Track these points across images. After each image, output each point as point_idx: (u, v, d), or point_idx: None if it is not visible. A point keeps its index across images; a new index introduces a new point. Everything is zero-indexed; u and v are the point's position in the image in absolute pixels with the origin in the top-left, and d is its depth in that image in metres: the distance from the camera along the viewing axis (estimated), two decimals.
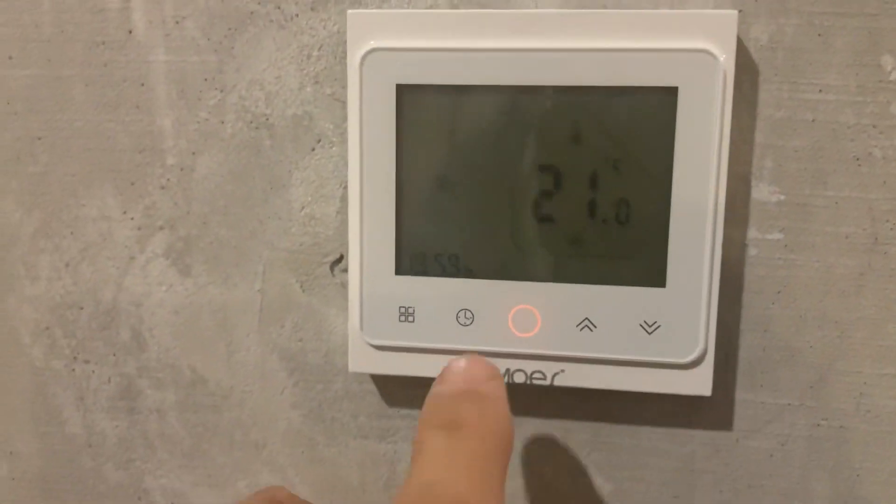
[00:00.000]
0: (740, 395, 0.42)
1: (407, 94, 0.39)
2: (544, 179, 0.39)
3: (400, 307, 0.41)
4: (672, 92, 0.38)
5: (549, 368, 0.41)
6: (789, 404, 0.42)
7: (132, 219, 0.45)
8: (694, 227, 0.38)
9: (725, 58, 0.37)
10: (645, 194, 0.39)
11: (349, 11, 0.40)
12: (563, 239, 0.40)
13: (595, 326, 0.40)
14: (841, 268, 0.40)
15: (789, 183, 0.40)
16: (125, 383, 0.47)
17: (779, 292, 0.41)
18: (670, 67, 0.38)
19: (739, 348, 0.42)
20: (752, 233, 0.41)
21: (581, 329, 0.40)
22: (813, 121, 0.39)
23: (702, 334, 0.39)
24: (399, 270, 0.41)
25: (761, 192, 0.40)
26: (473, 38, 0.39)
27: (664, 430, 0.43)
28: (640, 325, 0.40)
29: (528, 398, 0.44)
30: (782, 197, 0.40)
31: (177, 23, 0.43)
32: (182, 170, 0.44)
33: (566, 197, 0.39)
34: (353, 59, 0.40)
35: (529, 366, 0.41)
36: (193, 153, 0.44)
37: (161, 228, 0.45)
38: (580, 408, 0.44)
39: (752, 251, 0.41)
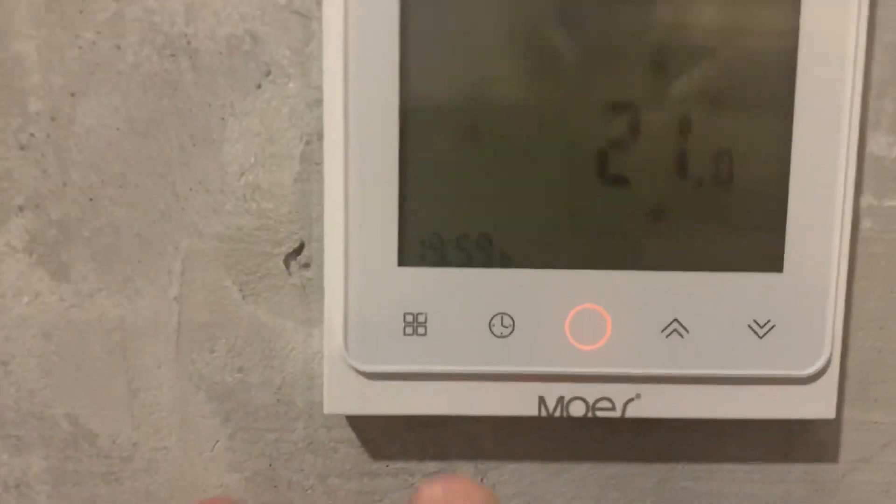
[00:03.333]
0: (849, 413, 0.32)
1: None
2: (615, 123, 0.28)
3: (406, 314, 0.28)
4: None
5: (619, 393, 0.29)
6: None
7: None
8: (821, 190, 0.28)
9: None
10: (756, 144, 0.28)
11: None
12: (642, 209, 0.28)
13: (687, 331, 0.28)
14: None
15: None
16: None
17: None
18: None
19: (849, 352, 0.32)
20: (867, 199, 0.31)
21: (668, 335, 0.28)
22: None
23: (828, 336, 0.29)
24: (404, 260, 0.28)
25: (878, 144, 0.30)
26: None
27: (750, 468, 0.32)
28: (749, 326, 0.28)
29: (580, 435, 0.32)
30: None
31: None
32: (54, 119, 0.29)
33: (645, 148, 0.28)
34: None
35: (592, 391, 0.29)
36: (72, 94, 0.29)
37: (21, 209, 0.30)
38: (644, 443, 0.32)
39: (865, 223, 0.31)
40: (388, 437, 0.32)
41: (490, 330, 0.28)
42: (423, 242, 0.28)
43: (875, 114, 0.30)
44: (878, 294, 0.31)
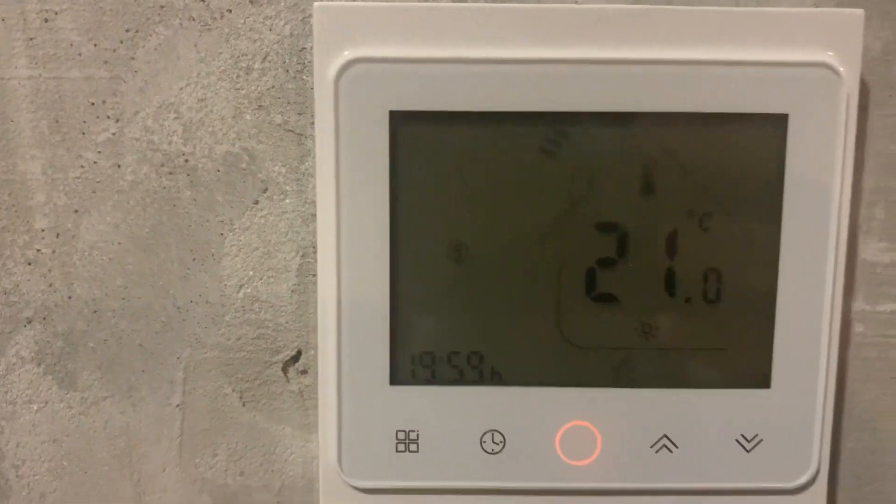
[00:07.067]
0: None
1: (405, 125, 0.27)
2: (603, 243, 0.28)
3: (398, 432, 0.29)
4: (780, 121, 0.27)
5: None
6: None
7: None
8: (808, 305, 0.28)
9: (849, 74, 0.27)
10: (743, 262, 0.28)
11: (317, 3, 0.27)
12: (631, 326, 0.28)
13: (676, 446, 0.29)
14: None
15: None
16: None
17: (892, 378, 0.31)
18: (777, 87, 0.27)
19: (842, 453, 0.32)
20: (859, 304, 0.31)
21: (657, 451, 0.29)
22: None
23: (816, 448, 0.29)
24: (396, 379, 0.28)
25: (870, 250, 0.31)
26: (501, 46, 0.27)
27: None
28: (737, 441, 0.29)
29: None
30: None
31: (46, 21, 0.29)
32: (59, 236, 0.30)
33: (634, 267, 0.28)
34: (325, 76, 0.27)
35: None
36: (76, 211, 0.30)
37: (29, 322, 0.31)
38: None
39: (857, 328, 0.31)
40: None
41: (481, 446, 0.29)
42: (414, 360, 0.28)
43: (866, 221, 0.30)
44: (871, 397, 0.31)
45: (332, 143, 0.27)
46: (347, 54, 0.27)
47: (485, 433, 0.29)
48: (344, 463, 0.29)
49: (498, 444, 0.29)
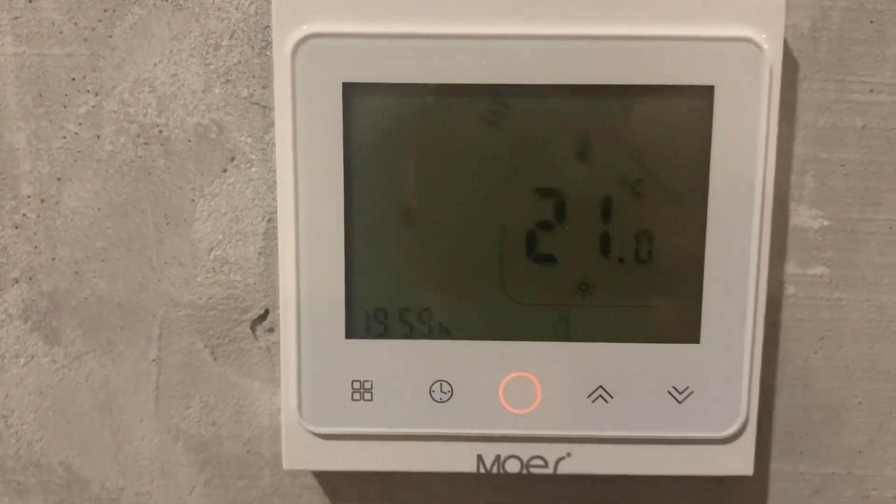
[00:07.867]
0: (776, 466, 0.34)
1: (357, 97, 0.29)
2: (543, 207, 0.30)
3: (353, 382, 0.31)
4: (706, 93, 0.29)
5: (551, 452, 0.31)
6: (834, 473, 0.34)
7: None
8: (735, 265, 0.30)
9: (772, 49, 0.29)
10: (672, 224, 0.30)
11: None
12: (568, 285, 0.30)
13: (611, 396, 0.31)
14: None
15: (835, 205, 0.32)
16: None
17: (822, 338, 0.33)
18: (703, 61, 0.29)
19: (775, 409, 0.34)
20: (791, 267, 0.33)
21: (593, 400, 0.31)
22: (863, 128, 0.32)
23: (744, 400, 0.31)
24: (351, 332, 0.31)
25: (801, 216, 0.32)
26: (447, 22, 0.29)
27: None
28: (669, 393, 0.31)
29: (521, 490, 0.34)
30: (826, 222, 0.32)
31: (30, 1, 0.31)
32: (43, 202, 0.33)
33: (571, 230, 0.30)
34: (282, 50, 0.29)
35: (526, 450, 0.31)
36: (58, 179, 0.32)
37: (16, 281, 0.33)
38: (585, 496, 0.34)
39: (790, 290, 0.33)
40: (347, 485, 0.35)
41: (430, 396, 0.31)
42: (368, 315, 0.31)
43: (797, 190, 0.32)
44: (803, 356, 0.33)
45: (289, 114, 0.29)
46: (304, 29, 0.29)
47: (433, 383, 0.31)
48: (303, 410, 0.31)
49: (446, 393, 0.31)
